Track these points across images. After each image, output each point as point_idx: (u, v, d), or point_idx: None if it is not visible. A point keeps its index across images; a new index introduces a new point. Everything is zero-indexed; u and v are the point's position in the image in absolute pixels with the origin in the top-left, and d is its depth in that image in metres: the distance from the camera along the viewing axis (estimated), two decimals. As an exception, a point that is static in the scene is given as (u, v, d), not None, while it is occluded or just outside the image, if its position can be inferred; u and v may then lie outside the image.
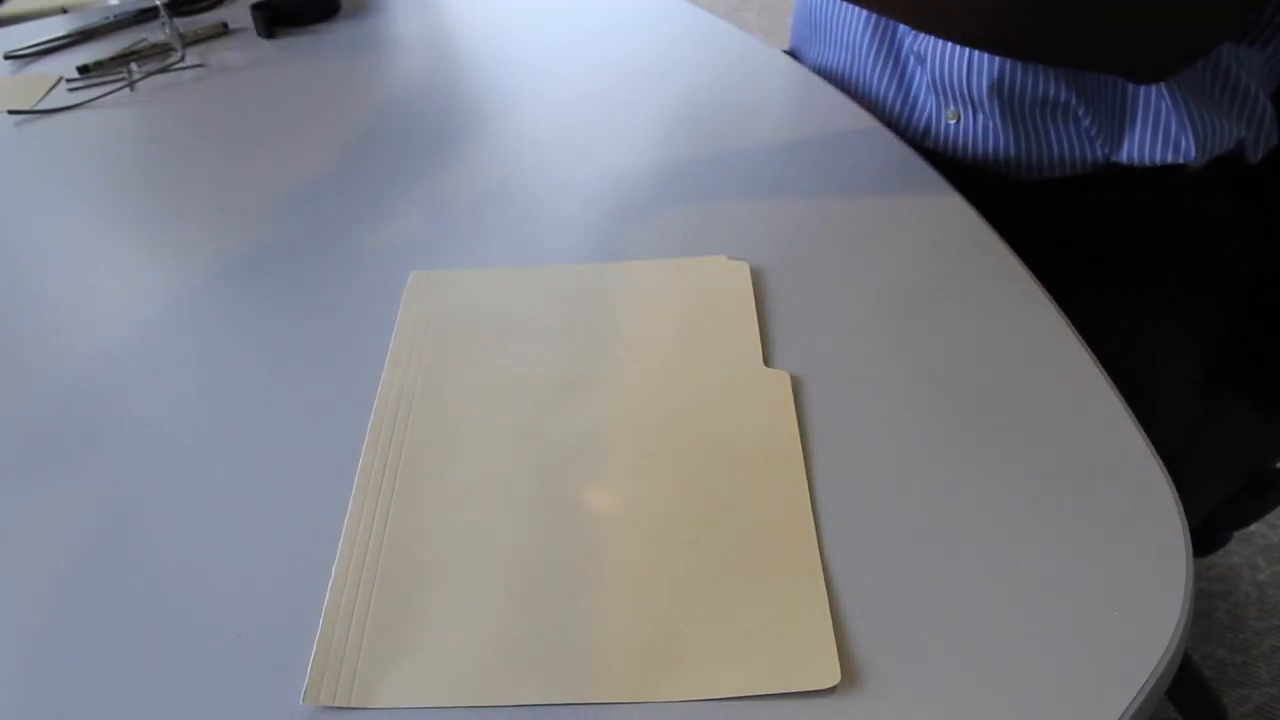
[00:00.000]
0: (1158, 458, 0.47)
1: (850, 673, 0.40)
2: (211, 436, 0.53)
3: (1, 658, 0.43)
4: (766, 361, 0.53)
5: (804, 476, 0.47)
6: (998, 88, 0.67)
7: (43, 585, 0.46)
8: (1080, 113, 0.66)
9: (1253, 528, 1.24)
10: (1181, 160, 0.65)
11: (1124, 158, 0.67)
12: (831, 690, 0.39)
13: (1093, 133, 0.67)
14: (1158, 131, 0.65)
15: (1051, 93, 0.66)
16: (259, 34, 1.03)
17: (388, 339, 0.57)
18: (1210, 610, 1.16)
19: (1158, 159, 0.66)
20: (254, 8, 1.02)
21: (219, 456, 0.52)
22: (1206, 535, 0.89)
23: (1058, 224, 0.74)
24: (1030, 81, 0.66)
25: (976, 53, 0.67)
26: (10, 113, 0.88)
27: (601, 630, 0.42)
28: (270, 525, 0.48)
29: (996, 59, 0.66)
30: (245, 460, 0.51)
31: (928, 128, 0.74)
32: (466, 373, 0.54)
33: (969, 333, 0.54)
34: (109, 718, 0.41)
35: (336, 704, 0.40)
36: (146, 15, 1.08)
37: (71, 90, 0.92)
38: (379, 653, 0.42)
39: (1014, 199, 0.73)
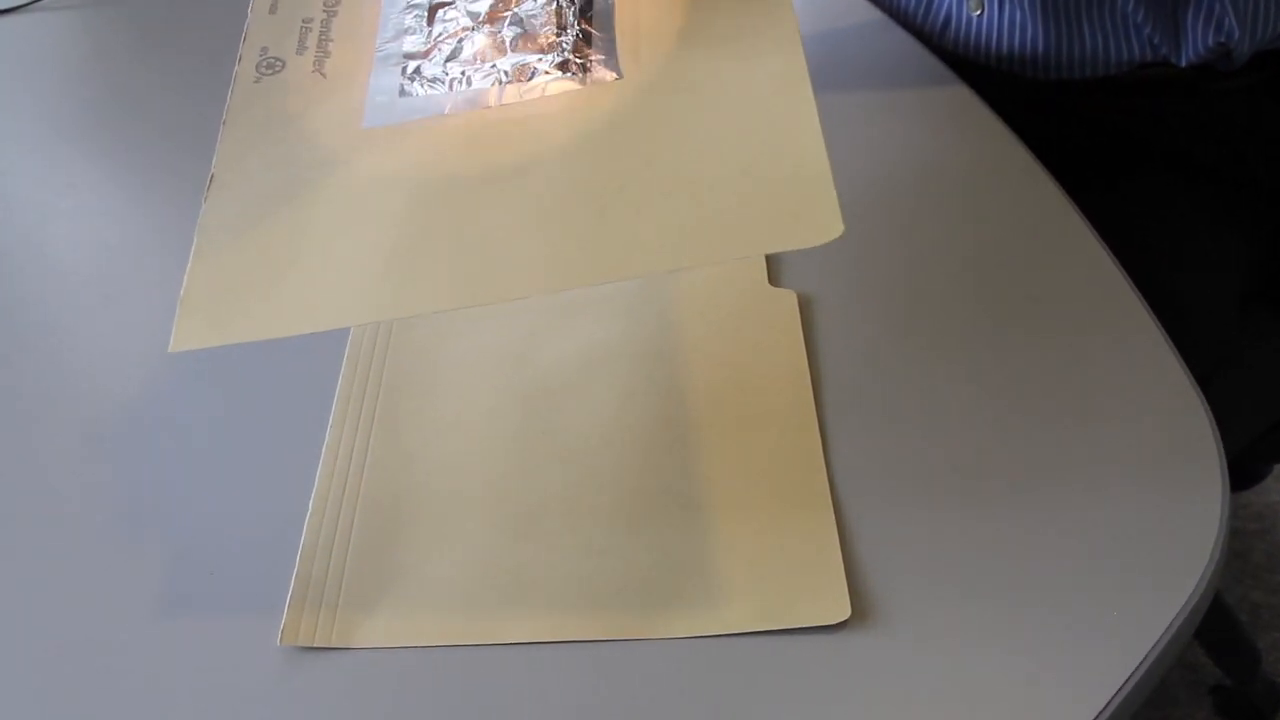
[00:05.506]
0: (1194, 381, 0.46)
1: (861, 608, 0.39)
2: (177, 363, 0.51)
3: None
4: (772, 281, 0.52)
5: (812, 401, 0.46)
6: None
7: (13, 522, 0.45)
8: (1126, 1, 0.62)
9: (1292, 463, 1.22)
10: (1224, 40, 0.61)
11: (1174, 49, 0.63)
12: (841, 626, 0.38)
13: (1139, 19, 0.63)
14: (1199, 11, 0.62)
15: None
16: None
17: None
18: (1246, 551, 1.14)
19: (1204, 46, 0.62)
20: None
21: (185, 384, 0.50)
22: (1243, 468, 0.88)
23: (1086, 134, 0.72)
24: None
25: None
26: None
27: (597, 564, 0.41)
28: (241, 457, 0.47)
29: None
30: (213, 387, 0.50)
31: (946, 21, 0.70)
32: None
33: (986, 245, 0.52)
34: (80, 657, 0.40)
35: (316, 644, 0.39)
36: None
37: (28, -10, 0.89)
38: (360, 590, 0.41)
39: (1038, 105, 0.69)
